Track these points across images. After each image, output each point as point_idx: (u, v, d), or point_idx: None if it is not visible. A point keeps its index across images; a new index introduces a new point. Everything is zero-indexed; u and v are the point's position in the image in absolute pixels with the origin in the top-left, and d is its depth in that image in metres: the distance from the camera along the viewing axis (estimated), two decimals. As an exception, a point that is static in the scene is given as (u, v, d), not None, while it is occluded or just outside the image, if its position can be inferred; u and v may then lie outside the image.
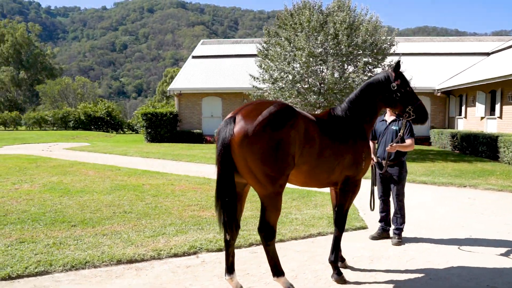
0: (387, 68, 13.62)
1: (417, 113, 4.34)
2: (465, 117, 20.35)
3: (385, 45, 15.53)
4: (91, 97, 59.52)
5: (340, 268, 4.31)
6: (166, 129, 23.14)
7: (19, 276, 4.21)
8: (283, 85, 15.32)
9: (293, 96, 15.08)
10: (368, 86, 4.36)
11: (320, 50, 14.84)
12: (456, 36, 43.36)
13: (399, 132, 5.12)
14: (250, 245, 5.24)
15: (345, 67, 15.24)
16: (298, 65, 15.08)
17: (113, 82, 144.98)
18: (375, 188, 5.35)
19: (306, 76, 15.07)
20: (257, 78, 16.35)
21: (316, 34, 14.78)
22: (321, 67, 15.15)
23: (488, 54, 24.68)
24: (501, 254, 5.00)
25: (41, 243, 5.12)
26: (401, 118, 4.49)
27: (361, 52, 15.05)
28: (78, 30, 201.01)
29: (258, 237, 4.37)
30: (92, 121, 36.89)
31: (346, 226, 5.54)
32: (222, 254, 4.42)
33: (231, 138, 3.51)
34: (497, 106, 17.11)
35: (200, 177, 10.41)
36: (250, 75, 16.78)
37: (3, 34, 65.52)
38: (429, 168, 12.37)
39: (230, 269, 3.86)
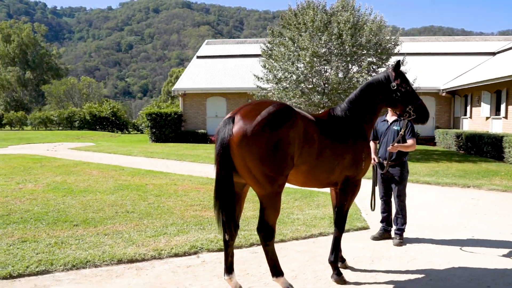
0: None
1: (417, 112, 4.31)
2: (470, 117, 20.23)
3: (389, 45, 15.51)
4: (97, 97, 59.80)
5: (340, 269, 4.30)
6: (171, 129, 23.19)
7: (20, 275, 4.24)
8: (287, 85, 15.32)
9: (297, 96, 15.07)
10: (368, 86, 4.34)
11: (324, 50, 14.82)
12: (462, 35, 42.99)
13: (400, 132, 5.11)
14: (251, 245, 5.24)
15: (349, 67, 15.21)
16: (302, 65, 15.07)
17: (119, 82, 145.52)
18: (376, 189, 5.34)
19: (310, 76, 15.05)
20: (261, 78, 16.36)
21: (320, 34, 14.77)
22: (325, 67, 15.13)
23: (494, 53, 24.53)
24: (503, 255, 4.97)
25: (42, 242, 5.16)
26: (402, 118, 4.47)
27: (365, 52, 15.03)
28: (84, 30, 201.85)
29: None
30: (97, 121, 37.12)
31: (348, 227, 5.56)
32: (223, 254, 4.42)
33: (230, 138, 3.50)
34: (503, 106, 16.99)
35: (203, 177, 10.43)
36: (254, 75, 16.79)
37: (10, 35, 65.87)
38: (433, 168, 12.31)
39: (229, 269, 3.87)
